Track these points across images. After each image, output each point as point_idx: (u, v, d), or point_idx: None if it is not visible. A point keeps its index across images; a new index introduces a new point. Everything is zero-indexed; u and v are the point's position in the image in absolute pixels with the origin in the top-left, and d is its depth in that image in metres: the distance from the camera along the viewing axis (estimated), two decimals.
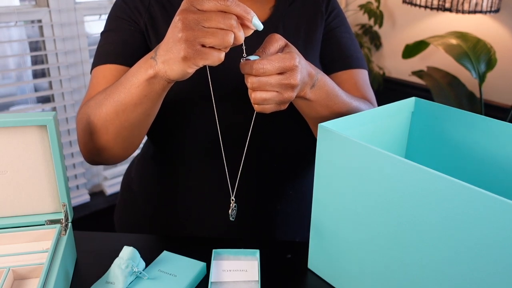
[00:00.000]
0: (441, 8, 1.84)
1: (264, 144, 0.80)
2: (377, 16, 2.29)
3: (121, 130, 0.67)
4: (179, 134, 0.79)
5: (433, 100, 1.52)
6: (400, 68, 2.37)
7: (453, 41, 1.87)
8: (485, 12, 1.79)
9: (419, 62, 2.24)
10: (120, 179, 1.92)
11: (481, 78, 1.86)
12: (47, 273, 0.57)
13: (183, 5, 0.54)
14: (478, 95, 1.96)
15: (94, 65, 0.78)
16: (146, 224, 0.88)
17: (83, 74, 1.75)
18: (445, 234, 0.49)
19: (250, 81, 0.57)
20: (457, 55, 1.83)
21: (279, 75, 0.58)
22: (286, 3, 0.83)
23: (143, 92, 0.61)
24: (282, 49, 0.61)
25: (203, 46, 0.53)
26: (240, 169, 0.71)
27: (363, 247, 0.60)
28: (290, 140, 0.83)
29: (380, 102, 0.80)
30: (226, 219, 0.78)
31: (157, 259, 0.68)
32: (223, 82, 0.73)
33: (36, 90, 1.79)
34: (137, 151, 1.19)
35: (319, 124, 0.61)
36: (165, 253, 0.70)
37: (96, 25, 1.81)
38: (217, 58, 0.54)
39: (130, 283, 0.63)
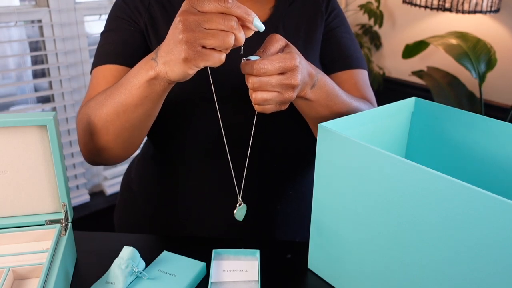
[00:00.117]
0: (441, 8, 1.84)
1: (264, 144, 0.80)
2: (377, 16, 2.29)
3: (121, 131, 0.67)
4: (180, 135, 0.79)
5: (433, 100, 1.52)
6: (400, 68, 2.37)
7: (453, 41, 1.87)
8: (485, 12, 1.79)
9: (419, 62, 2.24)
10: (120, 179, 1.92)
11: (481, 78, 1.86)
12: (47, 273, 0.57)
13: (183, 7, 0.54)
14: (478, 95, 1.96)
15: (94, 65, 0.78)
16: (146, 224, 0.88)
17: (83, 74, 1.75)
18: (445, 234, 0.49)
19: (251, 81, 0.58)
20: (457, 55, 1.83)
21: (280, 75, 0.58)
22: (286, 3, 0.83)
23: (143, 93, 0.61)
24: (282, 49, 0.61)
25: (204, 47, 0.53)
26: (245, 169, 0.71)
27: (363, 247, 0.60)
28: (290, 140, 0.83)
29: (380, 102, 0.80)
30: (226, 219, 0.78)
31: (157, 259, 0.68)
32: (224, 83, 0.73)
33: (36, 90, 1.79)
34: (137, 151, 1.19)
35: (319, 124, 0.61)
36: (165, 253, 0.70)
37: (96, 25, 1.81)
38: (217, 59, 0.54)
39: (130, 283, 0.63)
